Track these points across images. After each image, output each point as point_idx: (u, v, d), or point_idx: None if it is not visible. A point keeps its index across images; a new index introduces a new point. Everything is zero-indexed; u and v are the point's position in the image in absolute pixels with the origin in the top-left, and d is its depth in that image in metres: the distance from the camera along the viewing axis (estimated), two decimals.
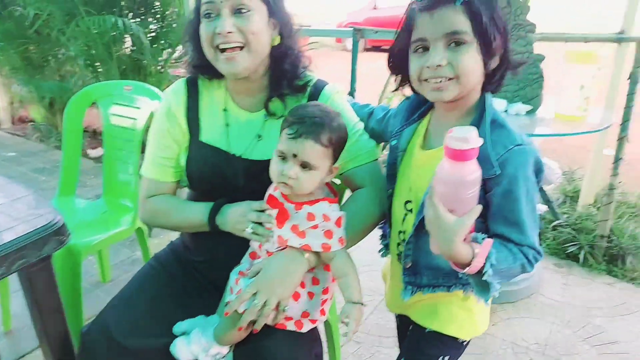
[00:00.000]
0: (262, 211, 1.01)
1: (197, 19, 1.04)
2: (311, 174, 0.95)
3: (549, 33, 2.22)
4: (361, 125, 1.14)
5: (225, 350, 1.01)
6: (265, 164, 1.05)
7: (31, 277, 1.03)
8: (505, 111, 1.94)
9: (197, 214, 1.09)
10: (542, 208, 2.70)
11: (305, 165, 0.93)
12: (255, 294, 0.94)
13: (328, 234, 0.95)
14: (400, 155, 0.99)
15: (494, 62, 0.87)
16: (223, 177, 1.10)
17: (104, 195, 1.95)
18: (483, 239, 0.81)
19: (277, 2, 1.05)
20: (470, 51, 0.82)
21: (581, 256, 2.34)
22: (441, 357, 1.00)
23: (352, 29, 2.97)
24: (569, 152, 4.10)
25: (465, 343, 1.02)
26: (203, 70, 1.10)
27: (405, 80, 0.98)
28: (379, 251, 1.14)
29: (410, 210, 0.97)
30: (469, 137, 0.72)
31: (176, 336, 1.07)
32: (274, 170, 0.96)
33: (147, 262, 1.25)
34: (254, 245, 1.09)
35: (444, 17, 0.82)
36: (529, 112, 1.93)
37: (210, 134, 1.12)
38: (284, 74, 1.09)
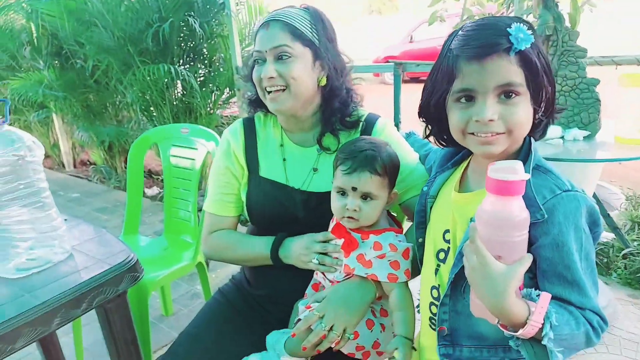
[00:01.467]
0: (327, 241, 1.04)
1: (253, 61, 1.13)
2: (373, 204, 0.97)
3: (599, 57, 2.17)
4: (416, 157, 1.15)
5: None
6: (322, 196, 1.10)
7: (108, 312, 1.08)
8: (562, 137, 1.89)
9: (259, 248, 1.13)
10: (608, 236, 2.57)
11: (366, 197, 0.96)
12: (322, 317, 0.96)
13: (395, 264, 0.96)
14: (430, 202, 0.94)
15: (541, 112, 0.80)
16: (283, 209, 1.13)
17: (165, 232, 2.02)
18: (538, 295, 0.69)
19: (325, 45, 1.10)
20: (523, 103, 0.75)
21: None
22: None
23: (392, 63, 3.04)
24: (631, 176, 3.91)
25: None
26: (258, 104, 1.19)
27: (439, 131, 0.91)
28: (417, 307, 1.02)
29: (443, 261, 0.87)
30: (517, 168, 0.65)
31: None
32: (336, 206, 0.99)
33: (212, 296, 1.28)
34: (317, 277, 1.10)
35: (496, 68, 0.73)
36: (586, 138, 1.87)
37: (268, 169, 1.17)
38: (334, 112, 1.13)
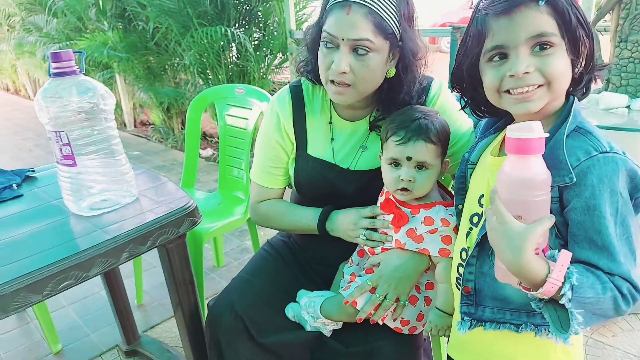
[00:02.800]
0: (374, 217, 1.05)
1: (318, 33, 1.02)
2: (427, 174, 0.96)
3: None
4: (470, 123, 1.12)
5: (332, 325, 1.07)
6: (372, 173, 1.10)
7: (169, 252, 1.17)
8: (628, 106, 1.79)
9: (307, 219, 1.15)
10: None
11: (420, 166, 0.96)
12: (375, 287, 0.99)
13: (446, 239, 0.96)
14: (470, 168, 0.91)
15: (580, 65, 0.76)
16: (331, 186, 1.14)
17: (220, 188, 2.12)
18: (552, 256, 0.67)
19: (405, 30, 0.99)
20: (560, 54, 0.72)
21: None
22: None
23: (450, 27, 2.93)
24: None
25: None
26: (310, 74, 1.12)
27: (475, 101, 0.88)
28: None
29: (476, 225, 0.86)
30: (534, 127, 0.64)
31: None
32: (389, 178, 0.98)
33: (262, 247, 1.35)
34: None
35: (526, 19, 0.71)
36: None
37: (316, 148, 1.16)
38: (395, 102, 1.05)
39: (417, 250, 0.98)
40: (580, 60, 0.75)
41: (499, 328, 0.81)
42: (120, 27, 4.49)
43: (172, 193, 1.24)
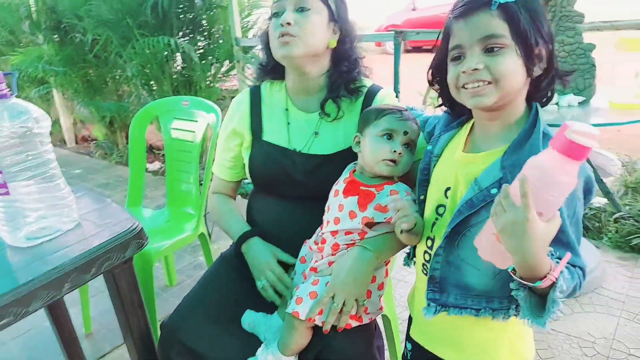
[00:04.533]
0: (287, 269, 1.16)
1: (270, 19, 1.17)
2: (411, 154, 1.05)
3: (598, 22, 2.15)
4: None
5: (292, 359, 1.05)
6: (322, 158, 1.17)
7: (116, 277, 1.13)
8: (557, 103, 1.91)
9: (233, 231, 1.27)
10: (601, 201, 2.62)
11: (409, 145, 1.04)
12: (332, 297, 0.99)
13: None
14: (434, 160, 0.97)
15: (538, 70, 0.82)
16: (283, 171, 1.19)
17: (168, 204, 2.07)
18: (551, 253, 0.72)
19: (339, 8, 1.17)
20: (509, 54, 0.78)
21: None
22: None
23: (393, 32, 3.01)
24: (628, 142, 3.92)
25: None
26: (268, 71, 1.25)
27: (446, 99, 0.96)
28: (403, 260, 1.09)
29: (441, 215, 0.91)
30: (595, 135, 0.63)
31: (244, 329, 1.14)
32: (381, 149, 1.03)
33: (215, 260, 1.34)
34: (304, 250, 1.15)
35: (479, 22, 0.79)
36: (581, 103, 1.89)
37: (272, 133, 1.23)
38: (341, 77, 1.18)
39: (385, 220, 1.01)
40: (536, 64, 0.81)
41: (461, 313, 0.87)
42: (57, 39, 4.29)
43: (115, 215, 1.20)
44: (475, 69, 0.79)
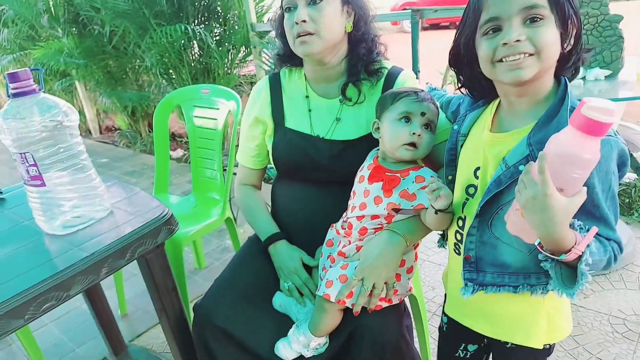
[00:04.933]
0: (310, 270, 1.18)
1: (282, 14, 1.17)
2: (431, 135, 1.04)
3: None
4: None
5: (323, 340, 1.08)
6: (345, 144, 1.16)
7: (149, 262, 1.17)
8: (583, 78, 1.86)
9: (260, 231, 1.30)
10: (631, 176, 2.55)
11: (428, 126, 1.03)
12: (362, 279, 1.01)
13: None
14: (461, 140, 0.96)
15: (569, 43, 0.81)
16: (307, 158, 1.20)
17: (194, 190, 2.12)
18: (579, 226, 0.74)
19: None
20: (549, 25, 0.77)
21: None
22: None
23: (410, 10, 2.96)
24: None
25: (552, 346, 0.96)
26: (285, 59, 1.25)
27: (470, 79, 0.93)
28: (437, 242, 1.10)
29: (472, 196, 0.92)
30: (613, 111, 0.63)
31: (274, 309, 1.18)
32: (400, 132, 1.02)
33: (244, 244, 1.37)
34: (331, 232, 1.16)
35: None
36: (608, 77, 1.83)
37: (294, 120, 1.24)
38: (360, 59, 1.17)
39: (412, 207, 1.01)
40: (569, 37, 0.80)
41: (499, 290, 0.88)
42: (75, 32, 4.35)
43: (146, 203, 1.24)
44: (518, 41, 0.76)
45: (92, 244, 1.05)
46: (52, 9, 4.28)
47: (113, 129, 5.33)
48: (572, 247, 0.71)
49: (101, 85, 4.55)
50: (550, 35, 0.77)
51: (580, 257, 0.71)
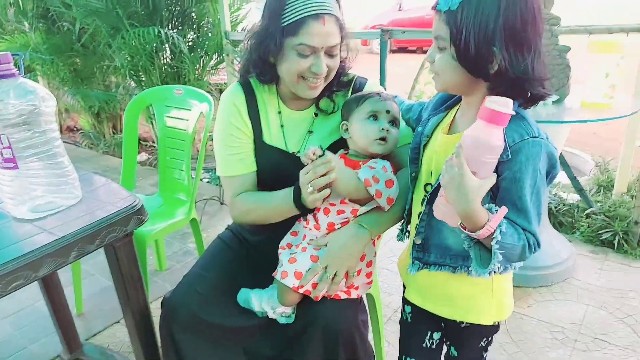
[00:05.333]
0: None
1: (280, 41, 1.09)
2: (397, 130, 1.14)
3: (573, 26, 2.28)
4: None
5: (289, 310, 1.15)
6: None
7: (117, 250, 1.19)
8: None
9: (283, 202, 1.14)
10: (574, 197, 2.75)
11: (393, 122, 1.13)
12: (325, 267, 1.08)
13: (376, 179, 1.07)
14: (424, 140, 1.05)
15: (491, 69, 0.86)
16: (286, 172, 1.19)
17: (160, 191, 2.12)
18: (496, 210, 0.83)
19: (344, 21, 1.14)
20: (446, 55, 0.88)
21: (616, 242, 2.38)
22: (484, 340, 1.08)
23: (379, 30, 3.10)
24: (603, 144, 4.10)
25: (499, 323, 1.08)
26: (263, 77, 1.19)
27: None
28: (397, 236, 1.18)
29: (429, 193, 1.00)
30: (509, 104, 0.78)
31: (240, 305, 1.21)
32: (370, 129, 1.10)
33: (213, 241, 1.39)
34: (298, 226, 1.21)
35: (435, 21, 0.90)
36: (556, 102, 1.99)
37: (270, 136, 1.24)
38: (336, 77, 1.20)
39: (357, 174, 1.07)
40: (484, 65, 0.85)
41: (440, 269, 1.00)
42: (43, 28, 4.27)
43: (117, 193, 1.26)
44: (430, 62, 0.93)
45: (62, 228, 1.07)
46: (20, 2, 4.19)
47: (75, 129, 5.20)
48: (485, 223, 0.81)
49: (66, 83, 4.46)
50: (441, 64, 0.90)
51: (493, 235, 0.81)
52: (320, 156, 1.03)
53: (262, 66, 1.17)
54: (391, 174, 1.10)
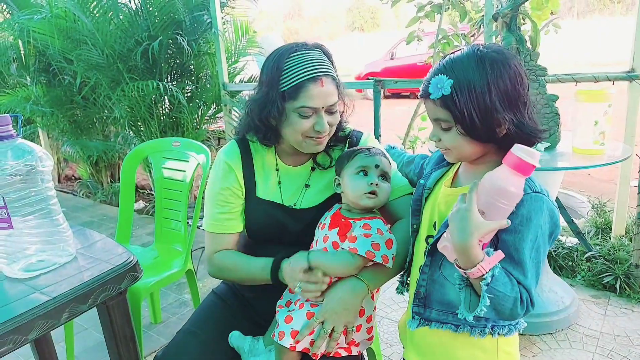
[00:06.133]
0: (311, 269, 1.08)
1: (281, 105, 1.12)
2: (387, 185, 1.15)
3: (560, 74, 2.36)
4: (394, 165, 1.28)
5: None
6: (315, 210, 1.22)
7: (110, 309, 1.17)
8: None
9: (260, 271, 1.17)
10: (573, 241, 2.74)
11: (383, 176, 1.14)
12: (322, 322, 1.05)
13: (376, 246, 1.07)
14: (427, 192, 1.06)
15: (499, 132, 0.90)
16: (280, 226, 1.23)
17: (156, 242, 2.11)
18: (487, 252, 0.83)
19: (339, 78, 1.18)
20: (453, 133, 0.92)
21: (618, 286, 2.35)
22: None
23: (372, 80, 3.19)
24: (598, 186, 4.13)
25: None
26: (263, 140, 1.21)
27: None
28: (397, 288, 1.17)
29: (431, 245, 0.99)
30: (537, 155, 0.80)
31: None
32: (359, 184, 1.12)
33: (207, 296, 1.37)
34: None
35: (429, 108, 0.95)
36: (547, 149, 2.03)
37: (265, 190, 1.25)
38: (334, 135, 1.23)
39: (348, 248, 1.07)
40: (493, 130, 0.89)
41: (442, 327, 0.98)
42: (44, 81, 4.37)
43: (111, 249, 1.25)
44: (436, 140, 0.97)
45: (54, 288, 1.05)
46: (23, 58, 4.31)
47: (73, 178, 5.23)
48: (479, 263, 0.81)
49: (66, 134, 4.52)
50: (451, 140, 0.94)
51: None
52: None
53: (265, 130, 1.19)
54: (387, 233, 1.10)
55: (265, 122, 1.17)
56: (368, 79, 3.23)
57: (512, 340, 1.00)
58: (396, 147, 1.42)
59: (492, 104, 0.88)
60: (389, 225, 1.14)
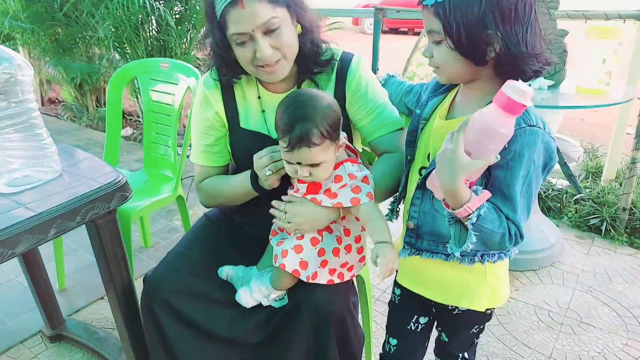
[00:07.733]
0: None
1: (223, 37, 1.06)
2: (322, 166, 1.01)
3: (571, 10, 2.24)
4: (386, 96, 1.21)
5: (282, 293, 1.12)
6: None
7: (99, 228, 1.15)
8: (528, 85, 1.99)
9: (242, 183, 1.15)
10: (563, 183, 2.76)
11: (313, 165, 1.00)
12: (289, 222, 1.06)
13: (356, 189, 1.04)
14: (422, 123, 1.02)
15: (490, 53, 0.84)
16: None
17: (145, 166, 2.07)
18: (481, 191, 0.82)
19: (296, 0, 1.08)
20: (443, 47, 0.86)
21: (603, 228, 2.40)
22: (476, 327, 1.08)
23: (373, 8, 3.03)
24: (591, 130, 4.12)
25: (492, 311, 1.07)
26: (230, 73, 1.15)
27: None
28: (386, 215, 1.13)
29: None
30: (528, 93, 0.73)
31: (223, 279, 1.19)
32: (289, 171, 1.04)
33: (199, 219, 1.36)
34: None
35: (425, 16, 0.88)
36: (551, 87, 1.97)
37: (248, 120, 1.20)
38: (310, 56, 1.14)
39: (332, 205, 1.05)
40: (482, 50, 0.83)
41: (433, 257, 0.99)
42: None
43: (99, 168, 1.21)
44: (429, 57, 0.91)
45: (39, 204, 1.02)
46: None
47: (57, 101, 5.05)
48: (465, 203, 0.80)
49: (47, 54, 4.29)
50: (442, 56, 0.88)
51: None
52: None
53: (226, 65, 1.13)
54: (359, 172, 1.05)
55: (220, 56, 1.11)
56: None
57: (501, 264, 1.02)
58: (395, 75, 1.34)
59: (483, 17, 0.81)
60: (357, 161, 1.08)
